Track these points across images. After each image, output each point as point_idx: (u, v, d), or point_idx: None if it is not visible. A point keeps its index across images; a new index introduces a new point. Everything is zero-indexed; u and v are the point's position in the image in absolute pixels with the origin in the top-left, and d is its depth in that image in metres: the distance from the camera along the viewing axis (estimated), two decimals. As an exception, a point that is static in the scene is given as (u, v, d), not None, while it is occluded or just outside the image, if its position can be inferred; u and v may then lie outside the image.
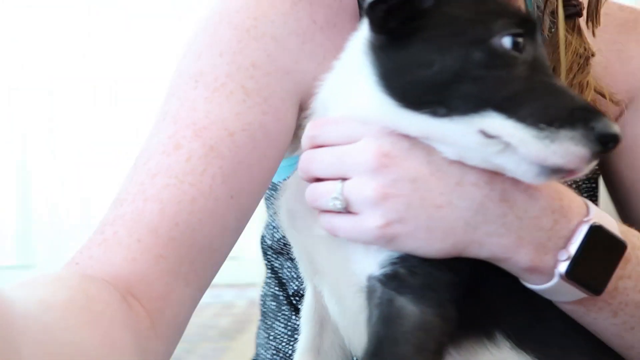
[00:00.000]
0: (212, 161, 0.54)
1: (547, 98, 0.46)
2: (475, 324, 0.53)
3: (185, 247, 0.52)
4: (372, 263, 0.51)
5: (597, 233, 0.48)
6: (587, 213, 0.49)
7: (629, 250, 0.49)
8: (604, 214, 0.51)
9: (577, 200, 0.50)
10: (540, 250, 0.48)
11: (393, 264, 0.50)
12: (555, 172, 0.44)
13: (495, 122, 0.45)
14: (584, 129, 0.42)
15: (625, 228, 0.52)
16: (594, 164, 0.45)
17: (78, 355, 0.37)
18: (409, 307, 0.48)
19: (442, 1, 0.49)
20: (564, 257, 0.48)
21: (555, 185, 0.50)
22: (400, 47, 0.50)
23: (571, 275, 0.48)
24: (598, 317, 0.51)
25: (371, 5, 0.49)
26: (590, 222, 0.48)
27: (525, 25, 0.48)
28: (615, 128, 0.43)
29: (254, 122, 0.56)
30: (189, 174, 0.53)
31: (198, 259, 0.54)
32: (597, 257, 0.48)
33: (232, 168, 0.55)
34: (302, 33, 0.61)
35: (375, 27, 0.50)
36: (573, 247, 0.48)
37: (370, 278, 0.51)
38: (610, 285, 0.49)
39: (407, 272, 0.50)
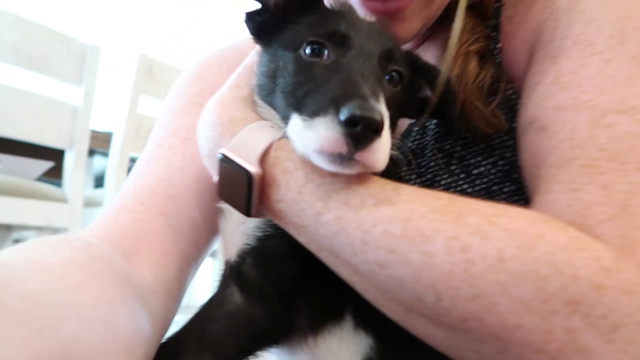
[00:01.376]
0: (189, 145, 0.67)
1: (322, 92, 0.49)
2: (330, 310, 0.58)
3: (183, 205, 0.62)
4: (234, 250, 0.58)
5: (226, 162, 0.52)
6: (228, 143, 0.53)
7: (278, 176, 0.50)
8: (252, 142, 0.51)
9: (229, 131, 0.54)
10: (209, 166, 0.58)
11: (243, 253, 0.57)
12: (338, 158, 0.46)
13: (291, 121, 0.51)
14: (333, 114, 0.45)
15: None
16: (376, 147, 0.45)
17: (67, 316, 0.37)
18: (236, 295, 0.55)
19: (305, 14, 0.57)
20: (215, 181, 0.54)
21: (217, 116, 0.56)
22: (266, 49, 0.60)
23: (222, 197, 0.53)
24: (301, 237, 0.52)
25: (247, 15, 0.59)
26: (220, 152, 0.52)
27: (334, 36, 0.54)
28: (364, 111, 0.43)
29: None
30: (173, 155, 0.67)
31: (197, 217, 0.63)
32: (231, 183, 0.52)
33: None
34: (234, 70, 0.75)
35: (253, 35, 0.61)
36: (215, 175, 0.54)
37: (227, 262, 0.59)
38: (273, 207, 0.51)
39: (250, 263, 0.56)
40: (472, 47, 0.65)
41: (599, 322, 0.39)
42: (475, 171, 0.65)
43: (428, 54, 0.76)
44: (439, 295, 0.43)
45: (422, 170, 0.68)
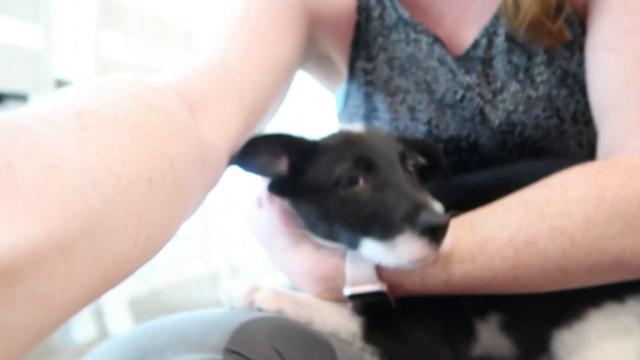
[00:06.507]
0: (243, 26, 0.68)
1: (386, 213, 0.56)
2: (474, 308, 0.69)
3: (252, 81, 0.63)
4: None
5: (355, 297, 0.62)
6: (344, 284, 0.63)
7: (397, 279, 0.62)
8: (361, 269, 0.61)
9: (336, 279, 0.63)
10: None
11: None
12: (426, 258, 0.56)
13: (365, 245, 0.58)
14: (411, 228, 0.53)
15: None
16: (446, 243, 0.56)
17: (99, 181, 0.33)
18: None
19: (315, 162, 0.63)
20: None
21: (312, 284, 0.65)
22: (300, 201, 0.66)
23: (359, 311, 0.64)
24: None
25: (271, 185, 0.67)
26: (348, 293, 0.62)
27: (361, 162, 0.60)
28: (434, 217, 0.53)
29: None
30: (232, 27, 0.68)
31: (262, 97, 0.65)
32: (372, 303, 0.62)
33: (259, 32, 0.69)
34: None
35: (277, 194, 0.67)
36: (352, 308, 0.64)
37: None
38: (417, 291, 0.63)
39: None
40: None
41: None
42: (538, 79, 0.80)
43: None
44: (564, 269, 0.59)
45: (491, 79, 0.82)
